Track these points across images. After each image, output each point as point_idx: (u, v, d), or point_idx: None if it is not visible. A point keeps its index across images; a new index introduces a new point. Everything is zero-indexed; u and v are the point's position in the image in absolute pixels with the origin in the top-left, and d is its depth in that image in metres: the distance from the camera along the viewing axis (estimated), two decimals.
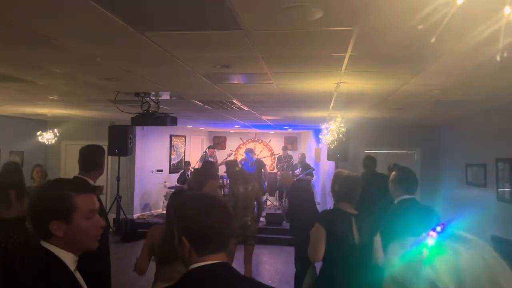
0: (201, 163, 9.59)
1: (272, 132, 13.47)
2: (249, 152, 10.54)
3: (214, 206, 1.44)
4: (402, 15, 2.17)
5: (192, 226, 1.40)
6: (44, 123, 10.02)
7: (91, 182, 3.09)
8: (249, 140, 13.85)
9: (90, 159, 3.24)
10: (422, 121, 7.96)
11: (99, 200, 2.80)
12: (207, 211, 1.42)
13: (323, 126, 6.44)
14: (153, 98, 5.47)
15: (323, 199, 10.26)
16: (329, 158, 8.10)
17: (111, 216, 8.49)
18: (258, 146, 13.61)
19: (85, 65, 3.66)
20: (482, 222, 5.96)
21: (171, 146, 11.91)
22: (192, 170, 10.40)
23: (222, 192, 9.06)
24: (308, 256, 3.03)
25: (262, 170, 10.69)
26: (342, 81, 4.13)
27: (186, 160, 11.75)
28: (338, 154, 7.67)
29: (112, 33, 2.66)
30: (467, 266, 0.71)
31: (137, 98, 5.28)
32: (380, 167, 6.49)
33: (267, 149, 13.78)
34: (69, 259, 1.43)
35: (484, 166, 6.23)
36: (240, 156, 12.90)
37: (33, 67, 3.77)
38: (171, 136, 11.85)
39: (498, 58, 1.46)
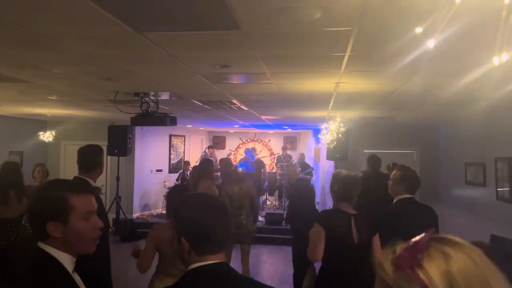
0: None
1: (271, 131, 13.47)
2: (252, 151, 10.51)
3: (213, 206, 1.45)
4: (400, 15, 2.17)
5: (191, 227, 1.40)
6: (44, 123, 10.02)
7: (92, 182, 3.09)
8: (249, 140, 13.86)
9: (90, 159, 3.23)
10: (422, 120, 7.96)
11: (99, 200, 2.79)
12: (206, 212, 1.42)
13: (323, 126, 6.45)
14: (153, 98, 5.46)
15: (323, 199, 10.27)
16: (329, 158, 8.10)
17: (111, 216, 8.47)
18: (258, 146, 13.60)
19: (85, 65, 3.66)
20: (482, 221, 5.97)
21: (170, 146, 11.90)
22: (191, 169, 10.40)
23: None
24: (308, 256, 3.03)
25: (262, 170, 10.70)
26: (342, 81, 4.12)
27: (185, 160, 11.75)
28: (337, 154, 7.68)
29: (111, 34, 2.66)
30: (458, 271, 0.72)
31: (136, 98, 5.28)
32: None
33: (266, 149, 13.79)
34: (67, 261, 1.42)
35: (483, 165, 6.23)
36: (240, 156, 12.90)
37: (33, 68, 3.77)
38: (170, 136, 11.84)
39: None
